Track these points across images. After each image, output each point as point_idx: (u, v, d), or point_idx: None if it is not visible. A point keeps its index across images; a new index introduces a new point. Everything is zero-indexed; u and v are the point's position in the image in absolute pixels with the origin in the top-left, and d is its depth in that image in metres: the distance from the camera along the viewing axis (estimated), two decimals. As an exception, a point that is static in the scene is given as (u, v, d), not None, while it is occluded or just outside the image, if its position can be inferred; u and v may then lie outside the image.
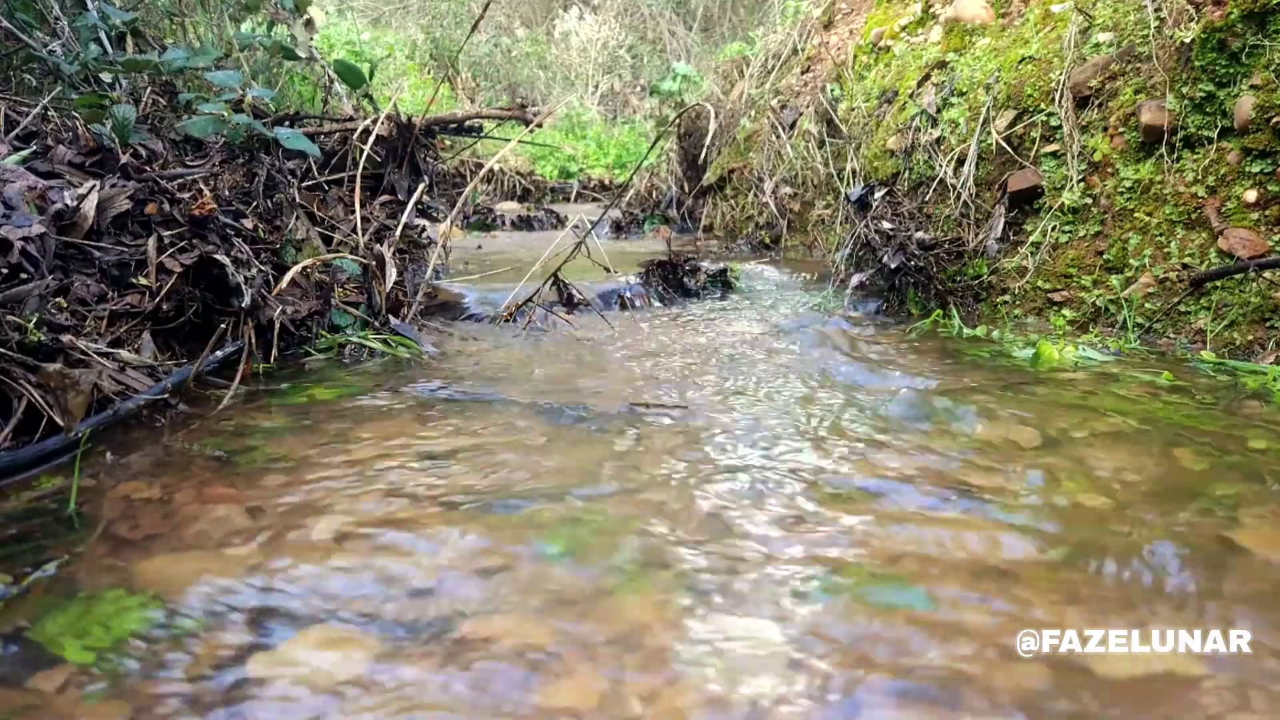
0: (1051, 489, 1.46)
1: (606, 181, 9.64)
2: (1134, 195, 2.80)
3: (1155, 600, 1.10)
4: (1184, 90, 2.68)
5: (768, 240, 5.14)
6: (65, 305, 1.91)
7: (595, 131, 11.55)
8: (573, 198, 9.07)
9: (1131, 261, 2.76)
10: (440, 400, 2.02)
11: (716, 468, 1.57)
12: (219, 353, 2.10)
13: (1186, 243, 2.64)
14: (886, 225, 3.39)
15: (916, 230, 3.31)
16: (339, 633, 1.02)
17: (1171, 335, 2.61)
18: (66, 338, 1.75)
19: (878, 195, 3.61)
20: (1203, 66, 2.63)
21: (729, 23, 14.34)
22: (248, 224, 2.51)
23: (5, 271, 1.80)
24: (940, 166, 3.45)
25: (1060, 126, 3.06)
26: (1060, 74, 3.11)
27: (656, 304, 3.62)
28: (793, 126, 5.12)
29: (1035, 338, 2.68)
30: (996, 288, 3.14)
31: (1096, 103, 2.99)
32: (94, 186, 2.20)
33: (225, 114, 2.51)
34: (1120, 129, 2.89)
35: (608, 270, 3.49)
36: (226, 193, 2.65)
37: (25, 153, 2.36)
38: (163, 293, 2.07)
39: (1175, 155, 2.71)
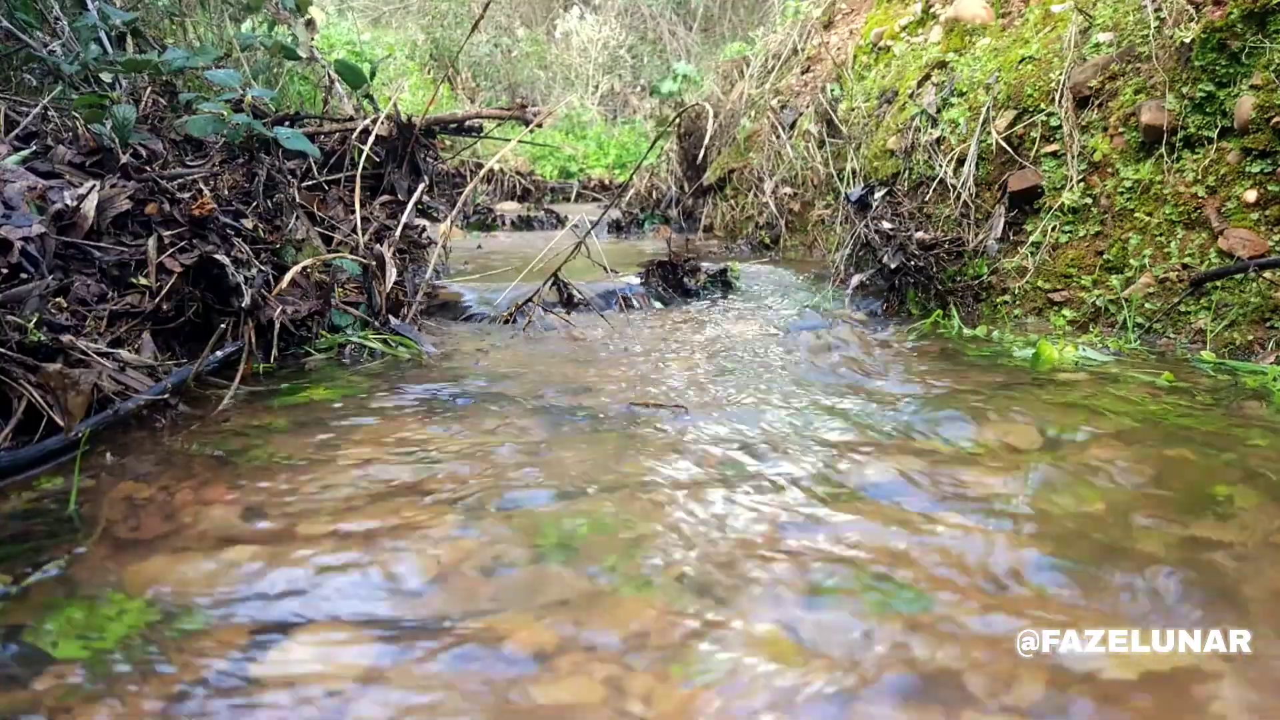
0: (1051, 489, 1.46)
1: (606, 181, 9.63)
2: (1134, 195, 2.80)
3: (1155, 600, 1.10)
4: (1184, 90, 2.68)
5: (768, 240, 5.14)
6: (65, 305, 1.91)
7: (595, 131, 11.55)
8: (573, 198, 9.06)
9: (1131, 261, 2.76)
10: (440, 400, 2.02)
11: (716, 468, 1.57)
12: (219, 353, 2.09)
13: (1186, 243, 2.64)
14: (886, 225, 3.39)
15: (916, 230, 3.31)
16: (339, 632, 1.02)
17: (1171, 335, 2.61)
18: (66, 338, 1.75)
19: (878, 195, 3.61)
20: (1203, 66, 2.63)
21: (729, 23, 14.33)
22: (248, 224, 2.51)
23: (5, 271, 1.80)
24: (940, 166, 3.45)
25: (1060, 126, 3.06)
26: (1060, 74, 3.11)
27: (656, 304, 3.62)
28: (793, 126, 5.12)
29: (1035, 338, 2.68)
30: (996, 288, 3.14)
31: (1096, 103, 2.99)
32: (94, 186, 2.20)
33: (225, 114, 2.51)
34: (1120, 129, 2.89)
35: (607, 270, 3.49)
36: (226, 193, 2.65)
37: (25, 153, 2.36)
38: (163, 293, 2.07)
39: (1175, 155, 2.71)
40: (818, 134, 4.76)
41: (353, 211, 2.96)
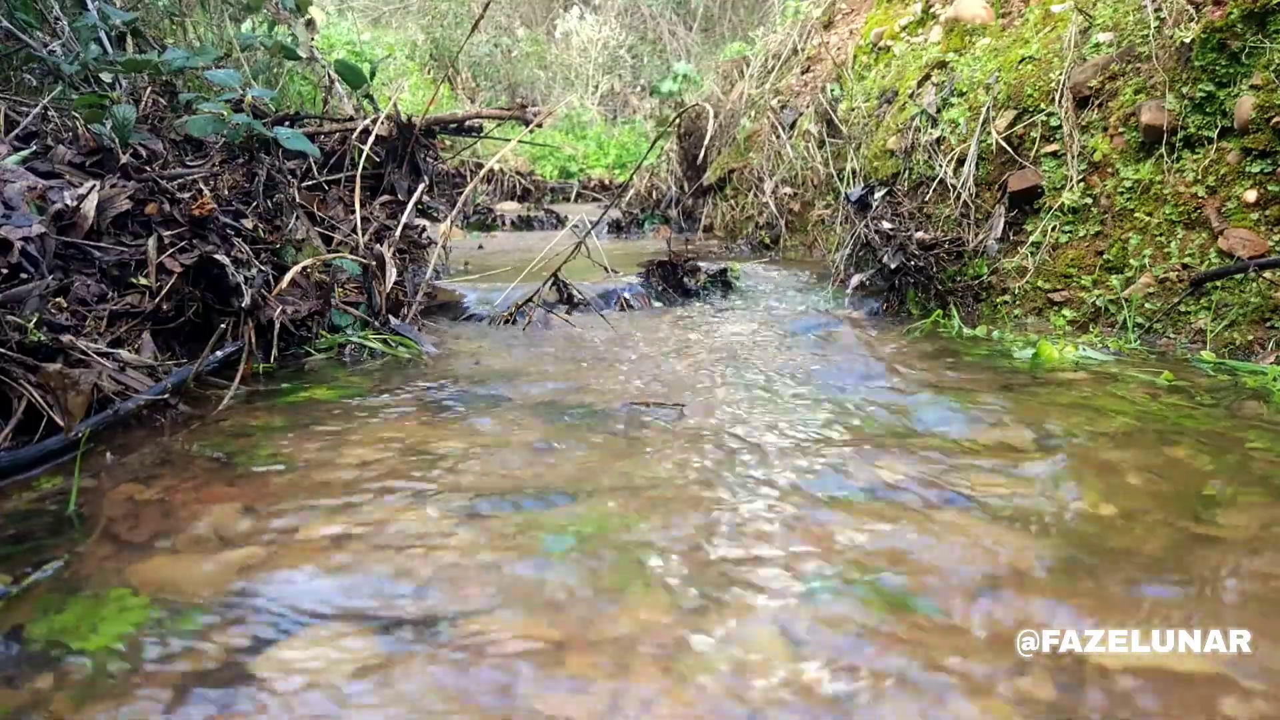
0: (1052, 490, 1.46)
1: (606, 181, 9.63)
2: (1134, 195, 2.80)
3: (1155, 600, 1.10)
4: (1184, 90, 2.68)
5: (768, 240, 5.14)
6: (65, 305, 1.92)
7: (595, 131, 11.55)
8: (573, 198, 9.06)
9: (1131, 261, 2.76)
10: (440, 400, 2.02)
11: (715, 467, 1.57)
12: (219, 353, 2.10)
13: (1186, 243, 2.64)
14: (886, 225, 3.39)
15: (916, 230, 3.31)
16: (338, 632, 1.02)
17: (1171, 335, 2.61)
18: (66, 338, 1.75)
19: (878, 195, 3.61)
20: (1203, 66, 2.63)
21: (729, 23, 14.33)
22: (248, 224, 2.51)
23: (5, 271, 1.80)
24: (940, 166, 3.45)
25: (1060, 126, 3.06)
26: (1060, 74, 3.11)
27: (656, 304, 3.62)
28: (793, 126, 5.12)
29: (1035, 338, 2.68)
30: (996, 288, 3.14)
31: (1096, 103, 2.99)
32: (94, 186, 2.20)
33: (225, 114, 2.51)
34: (1120, 129, 2.89)
35: (607, 270, 3.49)
36: (226, 193, 2.65)
37: (25, 153, 2.36)
38: (163, 293, 2.07)
39: (1175, 155, 2.71)
40: (818, 134, 4.76)
41: (353, 211, 2.96)
